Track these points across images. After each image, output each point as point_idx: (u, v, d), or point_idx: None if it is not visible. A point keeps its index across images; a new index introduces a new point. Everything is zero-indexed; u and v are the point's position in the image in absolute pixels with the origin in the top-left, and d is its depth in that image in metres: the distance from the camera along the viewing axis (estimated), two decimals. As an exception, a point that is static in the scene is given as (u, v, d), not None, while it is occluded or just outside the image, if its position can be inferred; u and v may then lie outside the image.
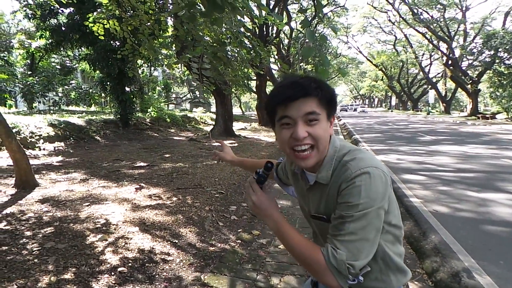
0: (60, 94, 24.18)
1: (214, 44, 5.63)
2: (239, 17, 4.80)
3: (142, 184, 5.72)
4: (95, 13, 7.08)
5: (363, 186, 0.95)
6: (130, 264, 2.88)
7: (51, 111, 20.00)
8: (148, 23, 6.28)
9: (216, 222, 4.06)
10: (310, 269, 1.01)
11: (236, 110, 58.42)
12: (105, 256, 3.00)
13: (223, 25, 5.10)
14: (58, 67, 23.73)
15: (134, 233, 3.52)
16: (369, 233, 0.96)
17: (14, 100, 23.94)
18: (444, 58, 41.06)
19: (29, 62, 25.49)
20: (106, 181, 6.19)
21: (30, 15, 12.92)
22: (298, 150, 1.04)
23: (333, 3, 35.01)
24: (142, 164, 8.13)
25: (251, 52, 5.35)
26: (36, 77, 20.20)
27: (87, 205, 4.53)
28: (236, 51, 5.91)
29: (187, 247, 3.30)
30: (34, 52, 17.44)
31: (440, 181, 6.29)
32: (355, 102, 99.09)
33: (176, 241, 3.40)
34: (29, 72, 21.68)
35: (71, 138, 11.71)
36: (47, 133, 11.08)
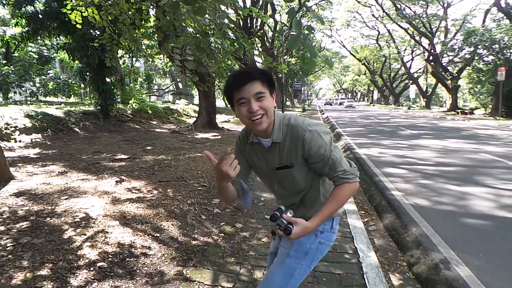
0: (37, 85, 23.49)
1: (197, 35, 5.53)
2: (223, 8, 4.72)
3: (122, 177, 5.59)
4: (73, 0, 6.81)
5: (317, 132, 1.43)
6: (110, 259, 2.80)
7: (28, 102, 19.41)
8: (129, 12, 6.10)
9: (199, 215, 4.01)
10: (348, 198, 1.50)
11: (220, 103, 58.02)
12: (83, 251, 2.91)
13: (206, 15, 5.00)
14: (35, 56, 22.94)
15: (114, 227, 3.43)
16: (339, 149, 1.47)
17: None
18: (426, 53, 41.70)
19: (4, 50, 24.60)
20: (86, 174, 6.04)
21: (4, 1, 12.39)
22: (254, 119, 1.40)
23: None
24: (123, 156, 7.97)
25: (235, 44, 5.26)
26: (12, 67, 19.50)
27: (66, 199, 4.39)
28: (220, 42, 5.81)
29: (169, 241, 3.24)
30: (9, 41, 16.76)
31: (421, 174, 6.38)
32: (338, 96, 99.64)
33: (158, 235, 3.33)
34: (4, 62, 20.88)
35: (49, 130, 11.38)
36: (24, 125, 10.73)
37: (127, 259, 2.82)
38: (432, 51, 38.24)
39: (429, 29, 39.26)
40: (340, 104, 65.54)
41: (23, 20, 13.06)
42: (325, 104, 68.19)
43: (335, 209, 1.47)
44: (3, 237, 3.16)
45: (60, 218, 3.66)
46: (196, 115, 18.13)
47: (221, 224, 3.81)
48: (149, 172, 6.19)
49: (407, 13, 39.17)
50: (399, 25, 41.38)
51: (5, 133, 9.88)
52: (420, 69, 55.64)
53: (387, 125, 18.71)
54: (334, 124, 19.09)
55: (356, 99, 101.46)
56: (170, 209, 4.04)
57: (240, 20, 22.58)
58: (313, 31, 42.46)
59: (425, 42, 41.85)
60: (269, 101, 1.44)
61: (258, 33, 23.82)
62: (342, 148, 10.34)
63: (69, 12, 6.92)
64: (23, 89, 21.41)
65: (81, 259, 2.77)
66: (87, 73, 14.39)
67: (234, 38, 5.34)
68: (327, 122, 21.89)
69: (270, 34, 36.61)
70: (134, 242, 3.12)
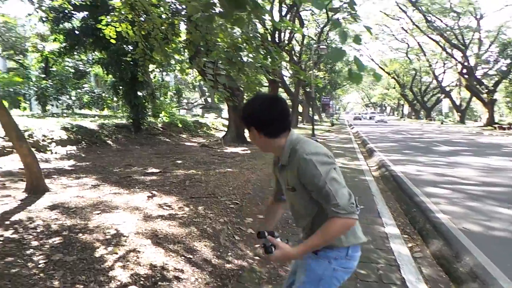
0: (73, 98, 24.37)
1: (229, 49, 5.46)
2: (254, 20, 4.64)
3: (154, 192, 5.53)
4: (108, 17, 6.95)
5: (312, 162, 1.43)
6: (141, 282, 2.67)
7: (64, 115, 20.09)
8: (162, 27, 6.13)
9: (232, 235, 3.84)
10: (338, 233, 1.45)
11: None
12: (115, 272, 2.79)
13: (237, 29, 4.92)
14: (72, 70, 23.85)
15: (146, 246, 3.31)
16: (338, 180, 1.43)
17: (28, 102, 24.18)
18: (459, 66, 40.44)
19: (43, 65, 25.78)
20: (118, 187, 6.02)
21: (44, 18, 12.93)
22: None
23: (345, 10, 34.82)
24: (154, 170, 7.96)
25: (268, 57, 5.15)
26: (50, 81, 20.33)
27: (98, 213, 4.34)
28: (252, 56, 5.73)
29: (203, 264, 3.08)
30: (48, 56, 17.52)
31: (466, 195, 5.97)
32: (367, 110, 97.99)
33: (191, 257, 3.19)
34: (43, 76, 21.83)
35: (83, 142, 11.63)
36: (59, 137, 11.01)
37: (160, 283, 2.68)
38: (465, 63, 37.06)
39: (461, 41, 38.12)
40: (370, 118, 63.82)
41: (61, 36, 13.57)
42: (354, 119, 65.98)
43: (320, 242, 1.47)
44: (36, 253, 3.10)
45: (92, 234, 3.59)
46: (225, 129, 18.17)
47: (256, 246, 3.62)
48: (180, 187, 6.10)
49: (438, 25, 38.24)
50: (430, 38, 40.42)
51: (42, 144, 10.15)
52: (452, 82, 54.00)
53: (420, 140, 18.06)
54: (366, 139, 18.63)
55: (385, 113, 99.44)
56: (202, 228, 3.89)
57: (268, 34, 22.67)
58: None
59: (457, 54, 40.66)
60: (255, 138, 1.60)
61: (286, 47, 23.80)
62: (376, 165, 9.97)
63: (104, 27, 7.06)
64: (59, 102, 22.27)
65: (113, 281, 2.65)
66: (120, 87, 14.74)
67: (266, 51, 5.23)
68: (358, 137, 21.40)
69: (297, 48, 36.54)
70: (166, 264, 2.98)
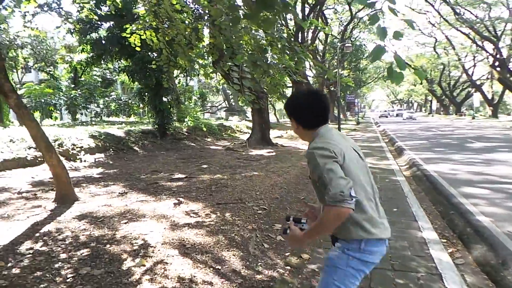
0: (101, 106, 24.97)
1: (254, 52, 5.34)
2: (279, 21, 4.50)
3: (180, 199, 5.48)
4: (133, 25, 7.00)
5: (313, 154, 1.56)
6: (170, 297, 2.58)
7: (93, 122, 20.61)
8: (186, 32, 6.10)
9: (261, 243, 3.71)
10: (332, 222, 1.51)
11: (271, 118, 58.18)
12: (142, 286, 2.71)
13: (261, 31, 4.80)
14: (99, 79, 24.47)
15: (174, 257, 3.23)
16: (334, 171, 1.49)
17: (59, 112, 25.00)
18: (490, 59, 38.80)
19: (72, 76, 26.58)
20: (145, 194, 6.02)
21: (72, 30, 13.29)
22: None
23: (369, 7, 34.08)
24: (180, 175, 7.95)
25: (295, 58, 4.99)
26: (79, 90, 20.92)
27: (125, 223, 4.32)
28: (276, 57, 5.59)
29: (232, 275, 2.96)
30: (77, 66, 18.04)
31: (507, 195, 5.60)
32: (393, 106, 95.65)
33: (219, 268, 3.08)
34: (72, 86, 22.50)
35: (111, 149, 11.83)
36: (88, 145, 11.25)
37: (188, 297, 2.58)
38: (497, 56, 35.50)
39: (493, 33, 36.51)
40: (397, 115, 61.59)
41: (88, 46, 13.90)
42: (380, 117, 63.90)
43: (319, 229, 1.61)
44: (64, 266, 3.08)
45: (120, 245, 3.55)
46: (250, 131, 18.10)
47: (286, 254, 3.48)
48: (206, 193, 6.03)
49: (468, 18, 36.82)
50: (460, 31, 38.97)
51: (71, 153, 10.39)
52: (483, 75, 51.89)
53: (452, 137, 17.36)
54: (393, 137, 18.08)
55: (412, 110, 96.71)
56: (230, 236, 3.78)
57: (291, 34, 22.45)
58: (364, 45, 41.17)
59: (489, 46, 39.02)
60: (293, 127, 1.82)
61: (310, 47, 23.52)
62: (406, 165, 9.60)
63: (129, 36, 7.12)
64: (88, 110, 22.88)
65: (140, 296, 2.57)
66: (146, 94, 14.95)
67: (292, 52, 5.08)
68: (385, 135, 20.83)
69: (320, 47, 36.08)
70: (194, 276, 2.88)
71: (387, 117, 63.91)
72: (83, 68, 22.79)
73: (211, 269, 3.04)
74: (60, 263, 3.15)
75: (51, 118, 22.00)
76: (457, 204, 5.10)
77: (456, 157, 10.13)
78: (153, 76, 13.50)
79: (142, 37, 7.07)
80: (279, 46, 4.89)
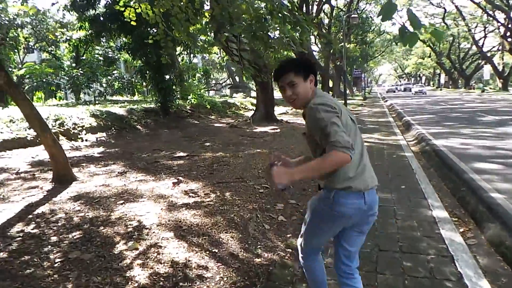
0: (104, 85, 24.69)
1: (253, 22, 5.03)
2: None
3: (180, 178, 5.31)
4: (126, -4, 6.66)
5: (316, 109, 1.66)
6: (161, 283, 2.42)
7: (96, 102, 20.42)
8: (181, 3, 5.76)
9: (261, 224, 3.53)
10: (332, 164, 1.58)
11: (277, 94, 57.49)
12: (133, 271, 2.55)
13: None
14: (101, 58, 24.07)
15: (169, 240, 3.07)
16: (338, 125, 1.59)
17: (63, 92, 24.79)
18: (502, 29, 37.56)
19: (74, 55, 26.21)
20: (144, 174, 5.86)
21: (68, 7, 12.89)
22: (290, 101, 1.84)
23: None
24: (181, 154, 7.78)
25: (297, 27, 4.66)
26: (80, 69, 20.63)
27: (121, 203, 4.16)
28: (278, 29, 5.27)
29: (229, 259, 2.79)
30: (77, 45, 17.67)
31: (522, 170, 5.34)
32: (401, 81, 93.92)
33: (216, 251, 2.91)
34: (73, 65, 22.20)
35: (113, 128, 11.66)
36: (90, 124, 11.09)
37: (180, 283, 2.42)
38: (509, 25, 34.31)
39: (505, 1, 35.16)
40: (405, 90, 58.36)
41: (86, 23, 13.52)
42: (387, 92, 61.27)
43: (316, 168, 1.63)
44: (54, 250, 2.93)
45: (114, 227, 3.40)
46: (254, 108, 17.80)
47: (288, 236, 3.30)
48: (207, 171, 5.85)
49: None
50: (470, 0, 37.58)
51: (73, 133, 10.24)
52: (494, 47, 50.46)
53: (462, 111, 16.92)
54: (401, 112, 17.69)
55: (420, 83, 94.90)
56: (229, 217, 3.61)
57: (295, 7, 21.73)
58: (371, 17, 39.85)
59: (500, 16, 37.70)
60: (302, 87, 1.79)
61: (315, 20, 22.80)
62: (414, 140, 9.32)
63: (123, 9, 6.79)
64: (91, 90, 22.65)
65: (130, 282, 2.41)
66: (147, 71, 14.63)
67: (294, 21, 4.75)
68: (392, 110, 20.41)
69: (326, 21, 35.04)
70: (189, 261, 2.72)
71: (394, 91, 60.65)
72: (84, 47, 22.42)
73: (207, 252, 2.87)
74: (50, 246, 3.01)
75: (55, 98, 21.87)
76: (469, 180, 4.86)
77: (466, 131, 9.81)
78: (154, 53, 13.13)
79: (137, 10, 6.74)
80: (280, 15, 4.56)
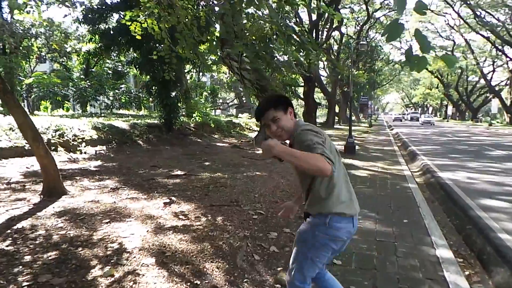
0: (111, 98, 24.80)
1: (257, 42, 4.93)
2: (286, 8, 4.06)
3: (173, 198, 5.10)
4: (132, 10, 6.64)
5: (305, 132, 1.80)
6: (131, 318, 2.18)
7: (102, 114, 20.42)
8: (186, 19, 5.70)
9: (251, 254, 3.29)
10: (314, 163, 1.57)
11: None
12: (103, 302, 2.33)
13: (267, 15, 4.38)
14: (110, 72, 24.27)
15: (149, 267, 2.84)
16: (323, 145, 1.69)
17: (72, 103, 24.87)
18: (510, 64, 37.60)
19: (84, 67, 26.46)
20: (137, 191, 5.67)
21: (80, 20, 13.03)
22: (276, 135, 1.91)
23: (386, 7, 33.21)
24: (179, 172, 7.59)
25: (301, 50, 4.54)
26: (88, 81, 20.75)
27: (107, 222, 3.95)
28: (282, 49, 5.15)
29: (211, 293, 2.55)
30: (85, 56, 17.79)
31: (532, 210, 5.07)
32: (407, 110, 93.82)
33: (198, 283, 2.67)
34: (82, 77, 22.37)
35: (114, 142, 11.53)
36: (90, 136, 10.97)
37: (153, 320, 2.18)
38: (519, 61, 34.30)
39: (514, 37, 35.31)
40: (412, 119, 57.56)
41: (97, 36, 13.63)
42: (394, 120, 60.10)
43: (298, 157, 1.61)
44: (24, 271, 2.71)
45: (93, 248, 3.18)
46: (258, 129, 17.65)
47: (278, 269, 3.05)
48: (202, 192, 5.64)
49: (489, 21, 35.67)
50: (480, 34, 37.81)
51: (72, 144, 10.12)
52: (502, 81, 50.43)
53: (468, 143, 16.63)
54: (406, 141, 17.44)
55: (427, 114, 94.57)
56: (217, 244, 3.38)
57: (305, 32, 21.88)
58: (380, 46, 40.03)
59: (509, 51, 37.83)
60: (284, 120, 1.91)
61: (324, 45, 22.92)
62: (419, 171, 9.07)
63: (129, 23, 6.76)
64: (98, 102, 22.74)
65: (98, 315, 2.18)
66: (153, 87, 14.62)
67: (299, 43, 4.62)
68: (398, 139, 20.18)
69: (335, 47, 35.28)
70: (167, 293, 2.48)
71: (401, 120, 58.84)
72: (95, 59, 22.61)
73: (188, 284, 2.63)
74: (21, 267, 2.79)
75: (63, 109, 21.96)
76: (475, 218, 4.59)
77: (473, 164, 9.54)
78: (160, 69, 13.14)
79: (144, 25, 6.71)
80: (285, 36, 4.44)
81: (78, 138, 10.55)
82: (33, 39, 26.81)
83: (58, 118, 12.94)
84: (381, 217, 4.62)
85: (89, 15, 13.12)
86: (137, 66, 14.40)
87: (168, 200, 4.93)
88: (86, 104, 23.32)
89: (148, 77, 15.11)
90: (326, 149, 1.66)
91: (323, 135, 1.79)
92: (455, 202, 5.57)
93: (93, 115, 19.41)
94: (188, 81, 34.24)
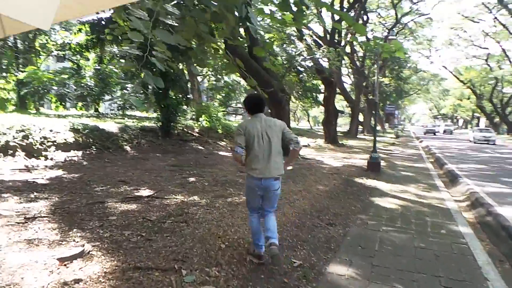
0: (120, 98, 23.41)
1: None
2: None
3: (87, 246, 3.23)
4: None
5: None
6: None
7: (109, 115, 19.01)
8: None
9: None
10: (232, 153, 3.21)
11: (304, 124, 55.14)
12: None
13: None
14: (116, 70, 22.89)
15: None
16: (236, 137, 3.15)
17: (85, 103, 23.59)
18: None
19: (97, 65, 25.27)
20: (56, 224, 3.87)
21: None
22: None
23: (415, 12, 30.69)
24: (145, 192, 5.76)
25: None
26: (92, 80, 19.39)
27: None
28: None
29: None
30: (81, 51, 16.31)
31: None
32: (435, 121, 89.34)
33: None
34: (87, 75, 21.07)
35: (94, 147, 9.85)
36: (65, 139, 9.32)
37: None
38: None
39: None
40: (445, 132, 48.07)
41: (86, 26, 12.10)
42: (425, 133, 45.16)
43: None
44: None
45: None
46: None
47: None
48: (147, 233, 3.75)
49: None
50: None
51: (37, 148, 8.46)
52: (542, 93, 46.56)
53: (517, 162, 14.08)
54: (440, 157, 14.96)
55: (457, 126, 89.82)
56: None
57: (327, 34, 19.85)
58: (406, 53, 36.81)
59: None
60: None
61: (345, 45, 20.78)
62: (465, 199, 6.90)
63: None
64: (103, 101, 21.37)
65: None
66: (149, 85, 12.96)
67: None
68: (429, 153, 17.76)
69: (360, 53, 32.94)
70: None
71: (434, 134, 45.15)
72: (109, 58, 21.20)
73: None
74: None
75: (76, 109, 20.73)
76: None
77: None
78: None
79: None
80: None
81: (48, 141, 8.90)
82: (46, 37, 26.04)
83: (32, 117, 11.33)
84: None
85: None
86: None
87: (74, 253, 3.05)
88: (94, 103, 21.90)
89: (143, 74, 13.50)
90: (237, 140, 3.10)
91: (243, 126, 3.15)
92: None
93: (105, 115, 17.99)
94: (206, 84, 32.70)
